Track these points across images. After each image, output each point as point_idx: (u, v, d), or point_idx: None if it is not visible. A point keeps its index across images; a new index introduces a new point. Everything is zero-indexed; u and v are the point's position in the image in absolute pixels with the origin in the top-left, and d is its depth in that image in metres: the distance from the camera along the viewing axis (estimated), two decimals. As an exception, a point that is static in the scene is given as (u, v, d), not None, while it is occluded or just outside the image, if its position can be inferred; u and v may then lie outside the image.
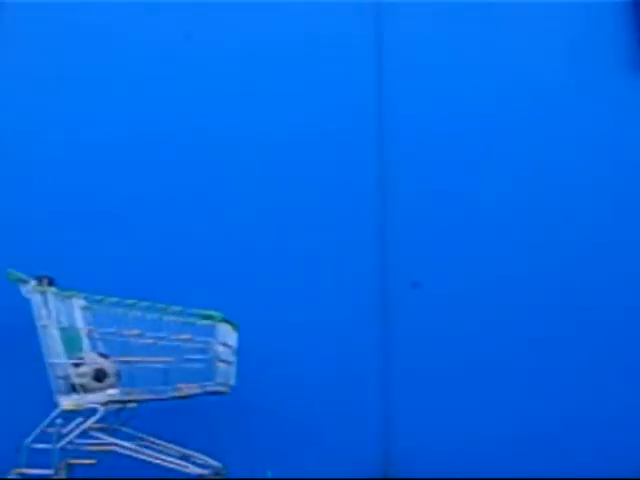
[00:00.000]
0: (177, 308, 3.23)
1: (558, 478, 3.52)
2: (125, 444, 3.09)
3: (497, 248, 4.00)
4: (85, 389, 3.08)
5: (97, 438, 3.10)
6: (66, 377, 3.12)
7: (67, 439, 3.03)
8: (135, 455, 3.09)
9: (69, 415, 3.07)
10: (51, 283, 3.31)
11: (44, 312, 3.18)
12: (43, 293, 3.22)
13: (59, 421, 3.04)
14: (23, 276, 3.28)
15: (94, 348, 3.26)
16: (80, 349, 3.23)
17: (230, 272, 3.97)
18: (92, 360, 3.15)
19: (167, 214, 4.03)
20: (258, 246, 4.00)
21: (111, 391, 3.10)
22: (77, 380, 3.09)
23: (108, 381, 3.12)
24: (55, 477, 3.01)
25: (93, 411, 3.05)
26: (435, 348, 3.86)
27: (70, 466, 3.08)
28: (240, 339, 3.83)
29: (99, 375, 3.12)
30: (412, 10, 4.33)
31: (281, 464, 3.69)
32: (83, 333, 3.27)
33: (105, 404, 3.07)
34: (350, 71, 4.26)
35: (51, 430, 3.04)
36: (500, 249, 4.00)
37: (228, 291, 3.92)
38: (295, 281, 3.96)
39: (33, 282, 3.26)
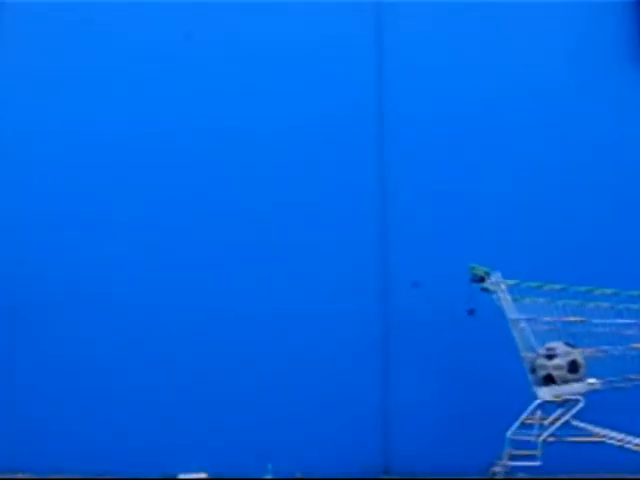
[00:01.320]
0: (608, 291, 3.25)
1: (559, 478, 3.51)
2: (613, 434, 3.11)
3: (497, 248, 4.00)
4: (562, 380, 3.12)
5: (581, 429, 3.11)
6: (535, 369, 3.16)
7: (550, 430, 3.06)
8: (624, 445, 3.10)
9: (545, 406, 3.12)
10: (482, 279, 3.34)
11: (513, 306, 3.25)
12: (499, 286, 3.29)
13: (539, 413, 3.09)
14: (488, 270, 3.33)
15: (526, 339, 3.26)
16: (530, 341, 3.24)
17: (230, 272, 3.97)
18: (564, 352, 3.16)
19: (167, 214, 4.03)
20: (258, 246, 4.00)
21: (592, 380, 3.13)
22: (554, 372, 3.12)
23: (581, 372, 3.14)
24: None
25: (566, 401, 3.10)
26: (435, 347, 3.86)
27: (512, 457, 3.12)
28: (241, 338, 3.83)
29: (574, 367, 3.14)
30: (412, 10, 4.32)
31: (280, 462, 3.69)
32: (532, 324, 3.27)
33: (584, 394, 3.09)
34: (350, 71, 4.26)
35: (532, 421, 3.08)
36: (500, 249, 4.00)
37: (228, 291, 3.93)
38: (295, 280, 3.96)
39: (494, 277, 3.31)
